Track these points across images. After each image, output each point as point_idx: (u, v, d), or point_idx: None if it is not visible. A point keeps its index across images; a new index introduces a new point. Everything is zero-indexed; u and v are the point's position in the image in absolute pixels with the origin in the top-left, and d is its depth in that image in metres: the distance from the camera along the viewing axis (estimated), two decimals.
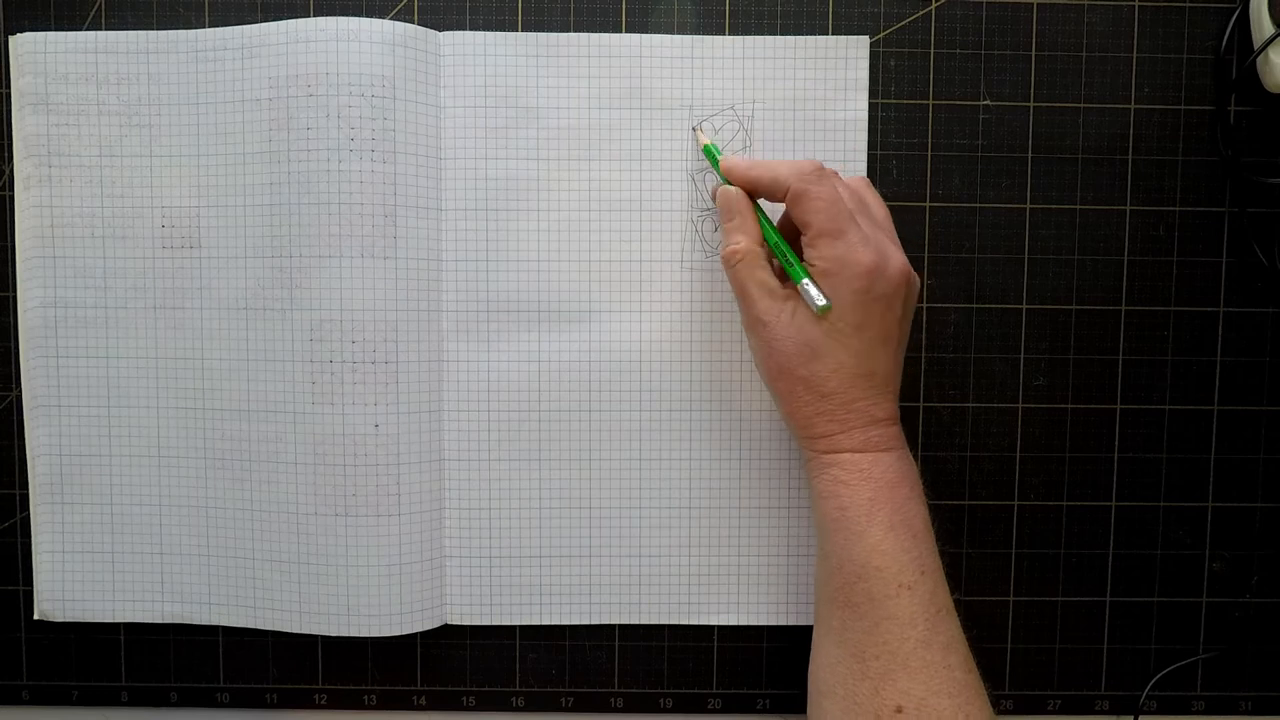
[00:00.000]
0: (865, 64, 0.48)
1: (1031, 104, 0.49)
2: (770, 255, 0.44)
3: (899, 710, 0.39)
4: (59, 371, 0.49)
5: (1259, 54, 0.47)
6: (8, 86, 0.49)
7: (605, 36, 0.48)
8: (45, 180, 0.48)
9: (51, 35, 0.48)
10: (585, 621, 0.50)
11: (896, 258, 0.42)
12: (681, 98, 0.48)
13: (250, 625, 0.49)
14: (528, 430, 0.49)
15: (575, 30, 0.48)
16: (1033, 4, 0.49)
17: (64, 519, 0.50)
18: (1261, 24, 0.47)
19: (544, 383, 0.49)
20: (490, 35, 0.48)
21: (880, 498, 0.42)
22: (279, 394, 0.47)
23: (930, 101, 0.49)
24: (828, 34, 0.48)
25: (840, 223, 0.41)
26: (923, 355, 0.50)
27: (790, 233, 0.45)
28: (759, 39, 0.48)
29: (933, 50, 0.49)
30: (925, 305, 0.49)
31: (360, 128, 0.46)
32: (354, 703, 0.51)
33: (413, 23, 0.48)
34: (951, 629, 0.42)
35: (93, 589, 0.50)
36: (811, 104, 0.48)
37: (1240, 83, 0.48)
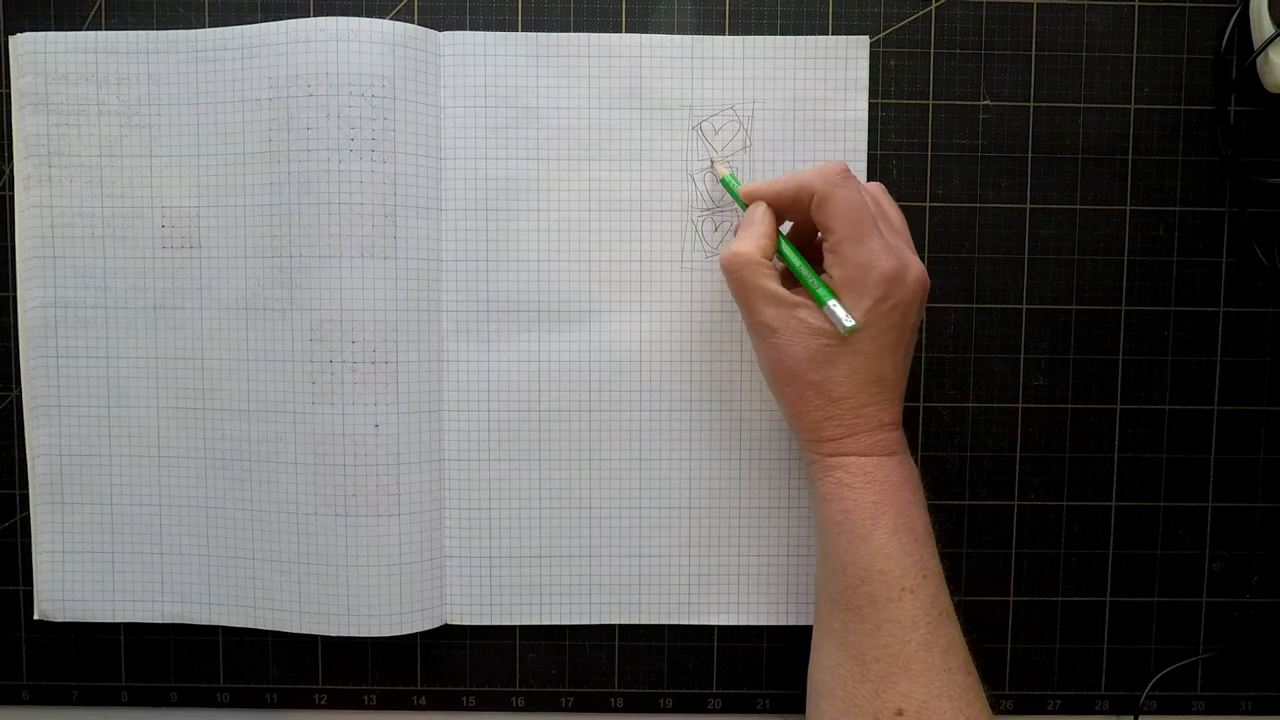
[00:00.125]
0: (865, 64, 0.48)
1: (1031, 104, 0.49)
2: (775, 261, 0.43)
3: (899, 713, 0.39)
4: (59, 371, 0.49)
5: (1259, 54, 0.47)
6: (8, 86, 0.49)
7: (605, 36, 0.48)
8: (45, 180, 0.48)
9: (51, 35, 0.48)
10: (585, 621, 0.50)
11: (916, 265, 0.42)
12: (681, 98, 0.48)
13: (250, 625, 0.49)
14: (528, 430, 0.49)
15: (575, 30, 0.48)
16: (1033, 4, 0.49)
17: (64, 519, 0.50)
18: (1261, 24, 0.47)
19: (544, 383, 0.49)
20: (490, 35, 0.48)
21: (884, 501, 0.42)
22: (279, 394, 0.47)
23: (930, 101, 0.49)
24: (828, 34, 0.48)
25: (864, 228, 0.41)
26: (923, 355, 0.50)
27: (801, 242, 0.45)
28: (759, 39, 0.48)
29: (933, 50, 0.49)
30: (926, 305, 0.49)
31: (360, 128, 0.46)
32: (354, 703, 0.51)
33: (413, 23, 0.48)
34: (952, 632, 0.42)
35: (93, 589, 0.50)
36: (811, 104, 0.48)
37: (1240, 83, 0.48)
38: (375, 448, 0.47)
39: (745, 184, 0.45)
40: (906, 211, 0.49)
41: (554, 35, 0.48)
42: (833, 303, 0.41)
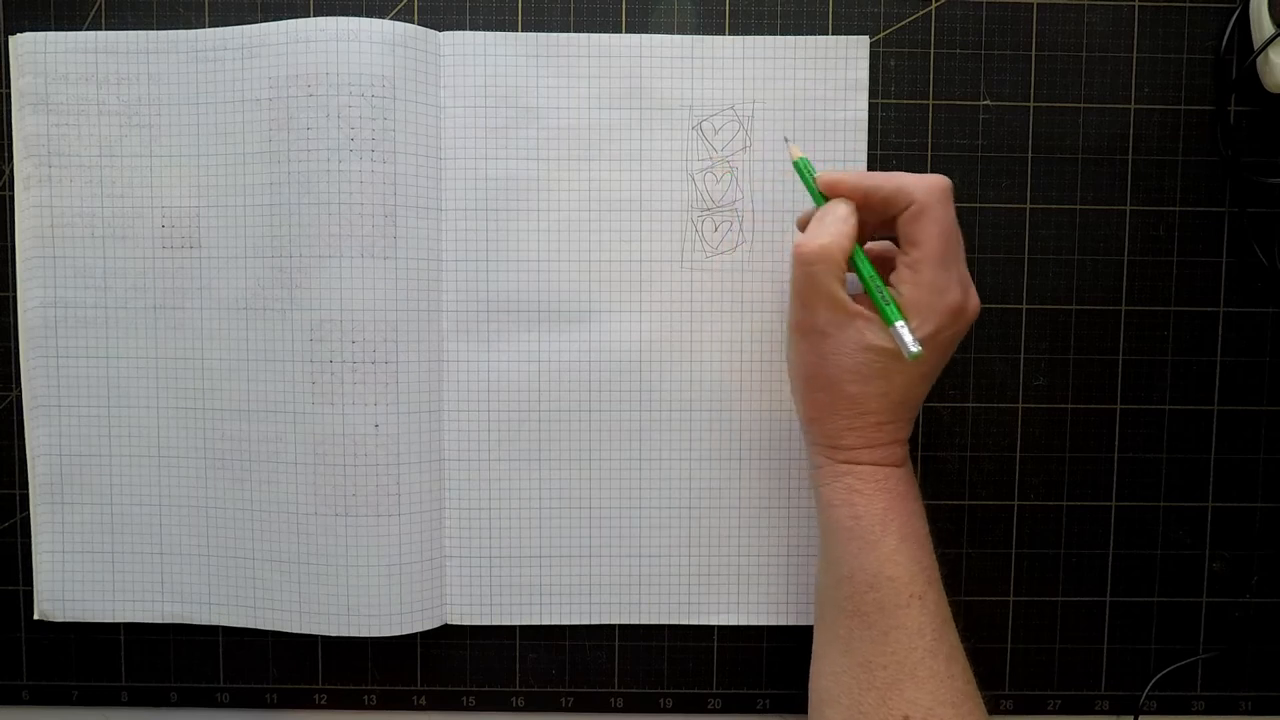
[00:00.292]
0: (865, 64, 0.48)
1: (1031, 104, 0.49)
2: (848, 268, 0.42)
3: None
4: (59, 371, 0.49)
5: (1259, 54, 0.47)
6: (8, 86, 0.49)
7: (605, 36, 0.48)
8: (45, 180, 0.48)
9: (51, 35, 0.48)
10: (585, 621, 0.50)
11: (975, 301, 0.41)
12: (681, 98, 0.48)
13: (250, 625, 0.49)
14: (528, 430, 0.49)
15: (575, 30, 0.48)
16: (1033, 4, 0.49)
17: (64, 519, 0.50)
18: (1261, 24, 0.47)
19: (544, 383, 0.49)
20: (490, 35, 0.48)
21: (893, 508, 0.42)
22: (279, 394, 0.47)
23: (930, 101, 0.49)
24: (828, 34, 0.48)
25: (951, 253, 0.40)
26: None
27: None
28: (759, 39, 0.48)
29: (933, 50, 0.49)
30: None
31: (360, 128, 0.46)
32: (354, 703, 0.51)
33: (413, 23, 0.48)
34: (953, 639, 0.42)
35: (93, 589, 0.50)
36: (811, 104, 0.48)
37: (1240, 83, 0.48)
38: (375, 448, 0.47)
39: (824, 172, 0.43)
40: None
41: (554, 35, 0.48)
42: (900, 324, 0.39)
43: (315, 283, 0.46)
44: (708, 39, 0.48)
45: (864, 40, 0.48)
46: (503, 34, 0.48)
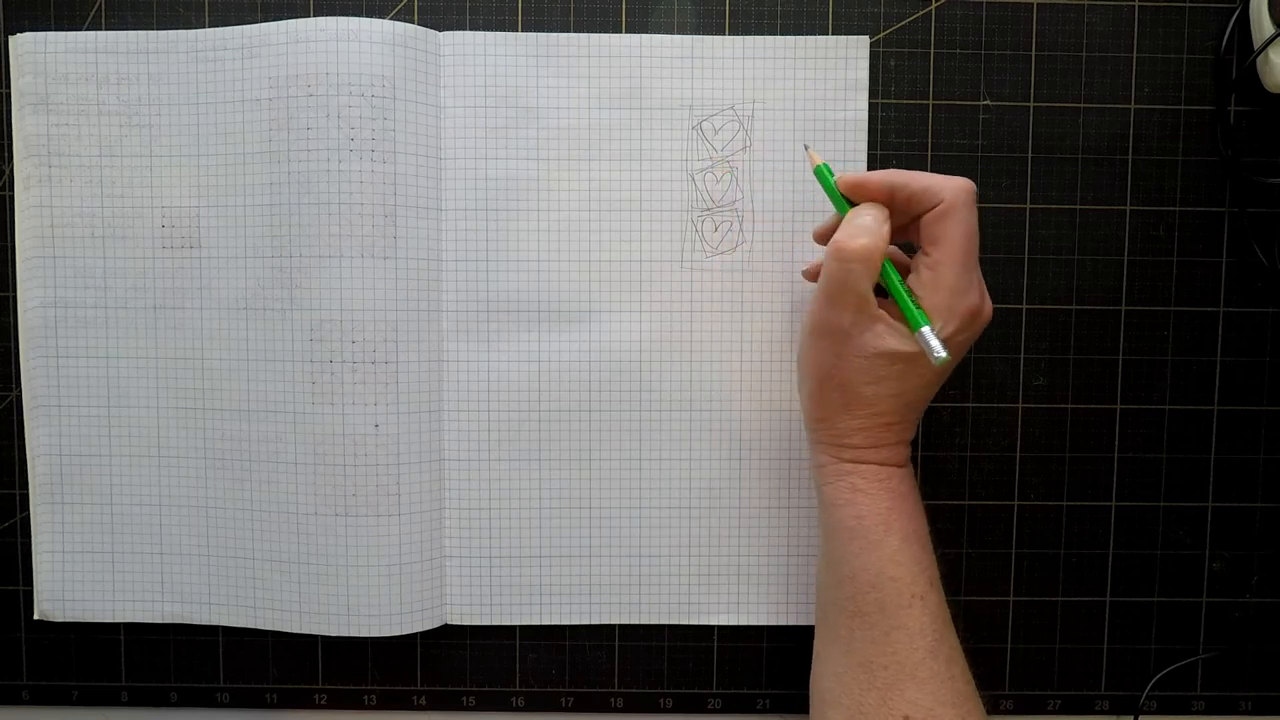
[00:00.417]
0: (865, 64, 0.48)
1: (1031, 104, 0.49)
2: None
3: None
4: (59, 371, 0.49)
5: (1259, 54, 0.47)
6: (8, 86, 0.49)
7: (605, 36, 0.48)
8: (45, 180, 0.48)
9: (51, 35, 0.48)
10: (585, 621, 0.50)
11: (989, 306, 0.41)
12: (681, 98, 0.48)
13: (250, 625, 0.49)
14: (528, 430, 0.49)
15: (575, 30, 0.48)
16: (1033, 4, 0.49)
17: (64, 519, 0.50)
18: (1261, 24, 0.47)
19: (544, 383, 0.49)
20: (490, 35, 0.48)
21: (896, 508, 0.42)
22: (279, 394, 0.47)
23: (930, 101, 0.49)
24: (828, 34, 0.48)
25: (973, 256, 0.40)
26: None
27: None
28: (759, 39, 0.48)
29: (933, 50, 0.49)
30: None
31: (360, 128, 0.46)
32: (354, 703, 0.51)
33: (413, 23, 0.48)
34: (953, 640, 0.42)
35: (93, 589, 0.50)
36: (811, 104, 0.48)
37: (1240, 83, 0.48)
38: (375, 448, 0.47)
39: (845, 174, 0.42)
40: None
41: (554, 35, 0.48)
42: (927, 330, 0.39)
43: (315, 283, 0.46)
44: (708, 39, 0.48)
45: (864, 40, 0.48)
46: (503, 34, 0.48)
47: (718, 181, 0.49)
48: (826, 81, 0.48)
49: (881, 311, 0.41)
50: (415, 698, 0.51)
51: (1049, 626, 0.51)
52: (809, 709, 0.44)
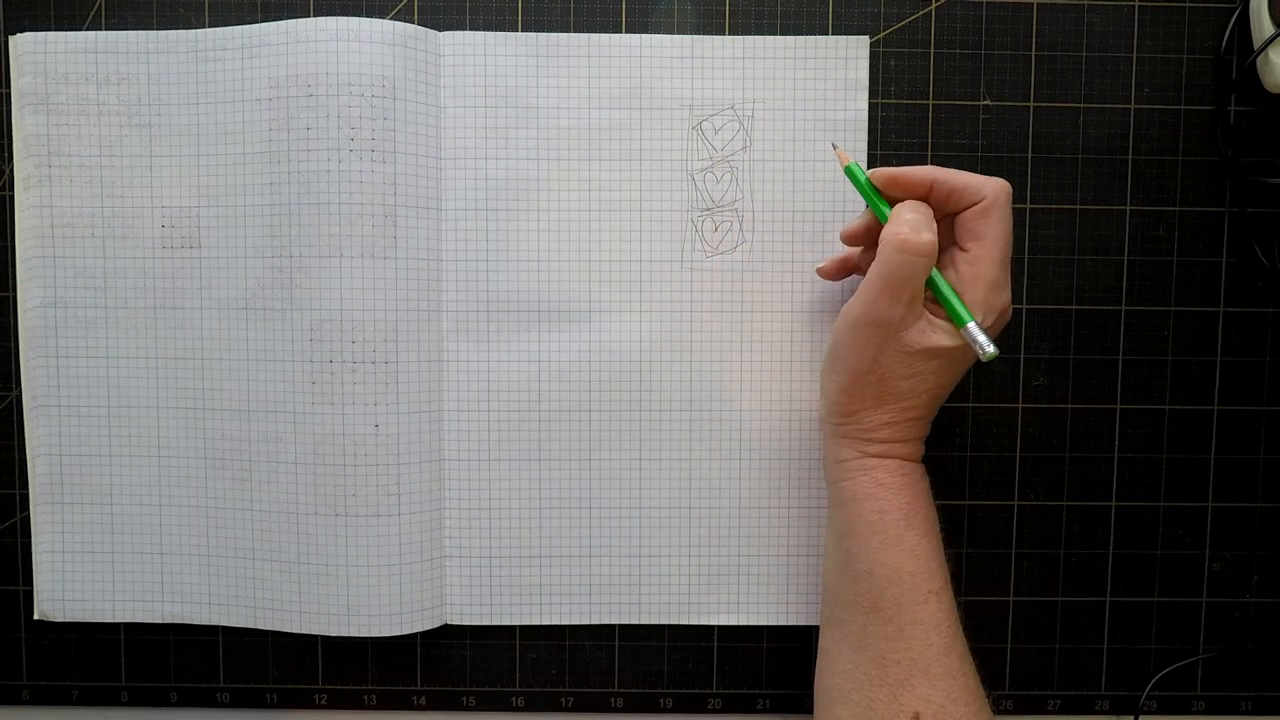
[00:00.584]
0: (865, 64, 0.48)
1: (1031, 104, 0.49)
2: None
3: (916, 717, 0.39)
4: (59, 371, 0.49)
5: (1259, 54, 0.47)
6: (8, 86, 0.49)
7: (605, 36, 0.48)
8: (45, 180, 0.48)
9: (51, 35, 0.48)
10: (585, 621, 0.50)
11: (1010, 309, 0.43)
12: (681, 98, 0.48)
13: (250, 625, 0.49)
14: (528, 430, 0.49)
15: (575, 30, 0.48)
16: (1033, 4, 0.49)
17: (64, 519, 0.50)
18: (1261, 24, 0.47)
19: (544, 383, 0.49)
20: (490, 35, 0.48)
21: (917, 504, 0.42)
22: (279, 394, 0.47)
23: (930, 101, 0.49)
24: (828, 34, 0.48)
25: (1008, 254, 0.41)
26: None
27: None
28: (759, 39, 0.48)
29: (933, 50, 0.49)
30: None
31: (360, 128, 0.46)
32: (354, 703, 0.51)
33: (413, 23, 0.48)
34: (963, 637, 0.42)
35: (93, 589, 0.50)
36: (811, 104, 0.48)
37: (1240, 83, 0.48)
38: (375, 448, 0.47)
39: (879, 169, 0.43)
40: None
41: (554, 35, 0.48)
42: (973, 325, 0.40)
43: (315, 283, 0.46)
44: (708, 39, 0.48)
45: (864, 40, 0.48)
46: (503, 34, 0.48)
47: (718, 181, 0.49)
48: (826, 81, 0.48)
49: (929, 310, 0.41)
50: (415, 698, 0.51)
51: (1049, 626, 0.51)
52: (812, 708, 0.44)
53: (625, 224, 0.49)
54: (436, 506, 0.49)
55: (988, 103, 0.49)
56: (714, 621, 0.50)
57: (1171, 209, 0.49)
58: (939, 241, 0.41)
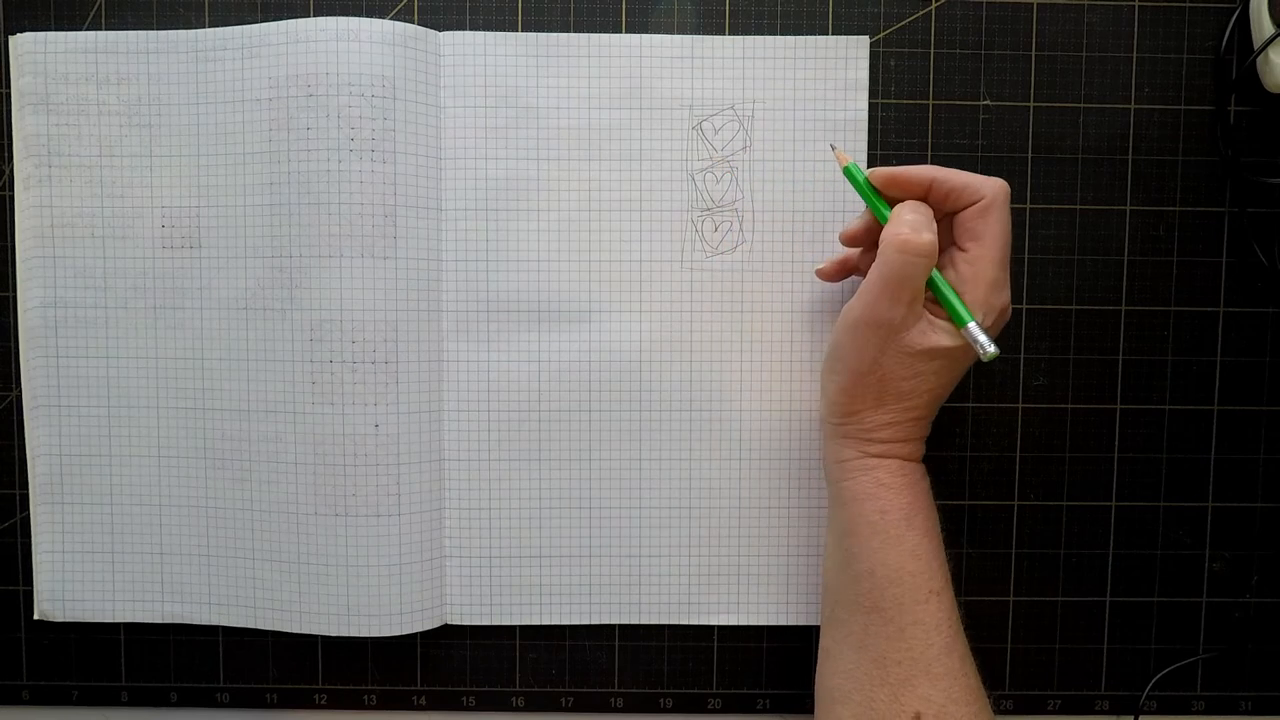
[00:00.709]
0: (865, 64, 0.48)
1: (1031, 104, 0.49)
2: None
3: (917, 717, 0.39)
4: (59, 371, 0.49)
5: (1259, 54, 0.47)
6: (8, 86, 0.49)
7: (605, 36, 0.48)
8: (45, 180, 0.48)
9: (51, 35, 0.48)
10: (585, 621, 0.50)
11: (1010, 309, 0.43)
12: (681, 98, 0.48)
13: (250, 625, 0.49)
14: (528, 430, 0.49)
15: (575, 30, 0.48)
16: (1033, 4, 0.49)
17: (64, 519, 0.50)
18: (1261, 24, 0.47)
19: (544, 383, 0.49)
20: (490, 35, 0.48)
21: (918, 504, 0.42)
22: (279, 394, 0.47)
23: (930, 101, 0.49)
24: (828, 34, 0.48)
25: (1007, 255, 0.41)
26: None
27: None
28: (759, 39, 0.48)
29: (933, 50, 0.49)
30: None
31: (360, 128, 0.46)
32: (354, 703, 0.51)
33: (413, 23, 0.48)
34: (964, 637, 0.42)
35: (93, 589, 0.50)
36: (811, 104, 0.48)
37: (1240, 83, 0.48)
38: (375, 448, 0.47)
39: (878, 169, 0.43)
40: None
41: (554, 35, 0.48)
42: (974, 325, 0.40)
43: (315, 283, 0.46)
44: (708, 39, 0.48)
45: (864, 40, 0.48)
46: (503, 34, 0.48)
47: (718, 181, 0.49)
48: (826, 81, 0.48)
49: (929, 311, 0.41)
50: (415, 698, 0.51)
51: (1049, 626, 0.51)
52: (813, 708, 0.44)
53: (625, 224, 0.49)
54: (436, 506, 0.49)
55: (988, 103, 0.49)
56: (714, 621, 0.50)
57: (1171, 209, 0.49)
58: (938, 241, 0.41)
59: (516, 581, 0.50)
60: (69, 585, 0.50)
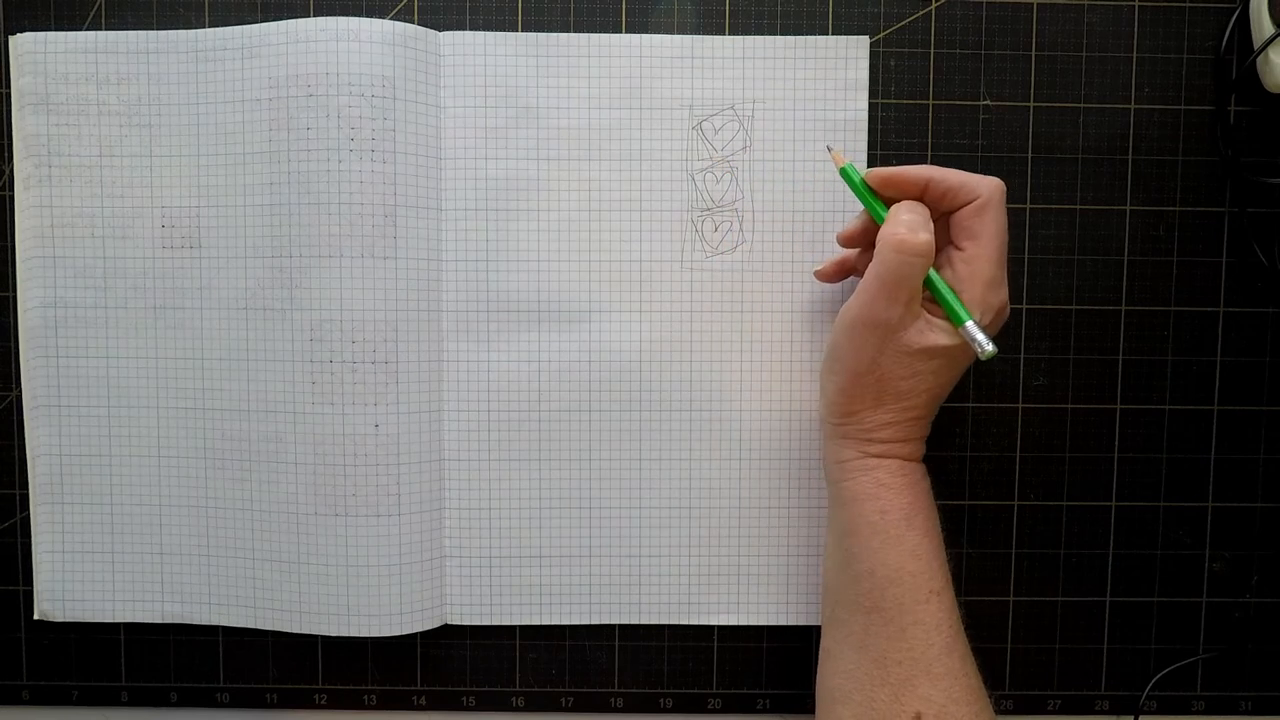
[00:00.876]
0: (865, 64, 0.48)
1: (1031, 104, 0.49)
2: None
3: (918, 717, 0.39)
4: (59, 371, 0.49)
5: (1259, 54, 0.47)
6: (8, 86, 0.49)
7: (605, 36, 0.48)
8: (45, 180, 0.48)
9: (51, 35, 0.48)
10: (585, 621, 0.50)
11: (1008, 308, 0.43)
12: (681, 98, 0.48)
13: (250, 625, 0.49)
14: (528, 430, 0.49)
15: (575, 30, 0.48)
16: (1033, 4, 0.49)
17: (64, 519, 0.50)
18: (1261, 24, 0.47)
19: (544, 383, 0.49)
20: (490, 35, 0.48)
21: (918, 504, 0.42)
22: (279, 394, 0.47)
23: (930, 101, 0.49)
24: (828, 34, 0.48)
25: (1004, 253, 0.41)
26: None
27: None
28: (759, 39, 0.48)
29: (933, 50, 0.49)
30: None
31: (360, 128, 0.46)
32: (354, 703, 0.51)
33: (413, 23, 0.48)
34: (964, 637, 0.42)
35: (93, 589, 0.50)
36: (811, 104, 0.48)
37: (1240, 83, 0.48)
38: (375, 448, 0.47)
39: (875, 169, 0.43)
40: None
41: (554, 35, 0.48)
42: (971, 324, 0.40)
43: (315, 283, 0.46)
44: (708, 39, 0.48)
45: (864, 40, 0.48)
46: (503, 34, 0.48)
47: (718, 181, 0.49)
48: (826, 81, 0.48)
49: (927, 311, 0.41)
50: (415, 698, 0.51)
51: (1049, 626, 0.51)
52: (814, 709, 0.44)
53: (625, 224, 0.49)
54: (436, 506, 0.49)
55: (988, 103, 0.49)
56: (714, 621, 0.50)
57: (1171, 209, 0.49)
58: (935, 241, 0.41)
59: (516, 581, 0.50)
60: (69, 585, 0.50)
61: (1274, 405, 0.50)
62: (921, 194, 0.42)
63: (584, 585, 0.50)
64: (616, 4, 0.48)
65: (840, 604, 0.43)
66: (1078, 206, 0.49)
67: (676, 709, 0.51)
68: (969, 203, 0.41)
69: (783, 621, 0.50)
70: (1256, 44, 0.47)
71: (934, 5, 0.49)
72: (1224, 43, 0.48)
